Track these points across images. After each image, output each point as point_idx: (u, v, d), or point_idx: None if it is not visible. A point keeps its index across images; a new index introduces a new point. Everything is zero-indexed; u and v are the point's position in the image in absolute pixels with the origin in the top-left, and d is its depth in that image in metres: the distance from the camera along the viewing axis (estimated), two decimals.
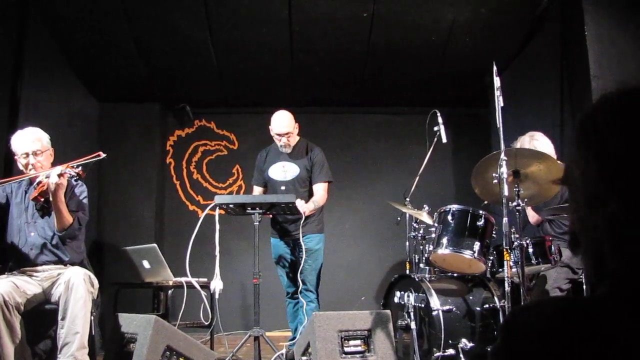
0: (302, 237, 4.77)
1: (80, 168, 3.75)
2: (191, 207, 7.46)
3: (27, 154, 3.93)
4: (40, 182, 3.85)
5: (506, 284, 3.53)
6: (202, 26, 5.77)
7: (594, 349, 0.79)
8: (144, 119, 7.25)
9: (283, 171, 5.02)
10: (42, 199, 3.90)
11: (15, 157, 4.02)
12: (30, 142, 3.96)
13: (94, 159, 3.90)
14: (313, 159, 5.04)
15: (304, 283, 4.85)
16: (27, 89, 5.17)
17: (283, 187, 4.99)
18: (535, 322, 0.85)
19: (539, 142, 4.57)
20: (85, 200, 4.12)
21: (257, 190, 5.23)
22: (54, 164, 4.00)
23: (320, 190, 5.00)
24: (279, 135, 4.94)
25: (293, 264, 5.00)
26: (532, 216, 4.74)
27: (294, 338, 4.86)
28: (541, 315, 0.86)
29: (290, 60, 6.43)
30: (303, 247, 4.73)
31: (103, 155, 3.93)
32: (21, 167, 4.00)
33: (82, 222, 4.03)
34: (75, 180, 3.92)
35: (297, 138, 5.09)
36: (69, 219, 3.87)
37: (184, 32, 5.87)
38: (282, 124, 4.95)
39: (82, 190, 4.13)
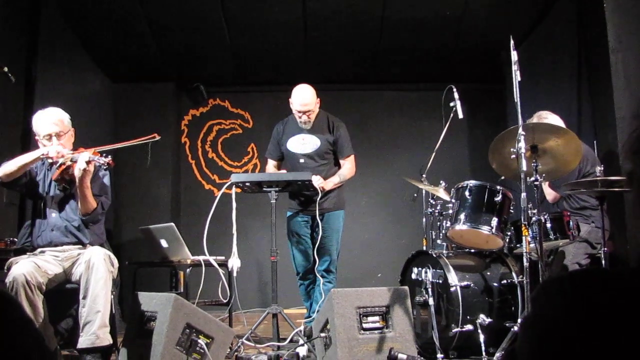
0: (324, 213, 4.77)
1: (109, 157, 3.73)
2: (207, 186, 7.49)
3: (50, 136, 3.92)
4: (63, 163, 3.85)
5: (524, 260, 3.51)
6: (215, 5, 5.74)
7: (624, 323, 0.78)
8: (158, 98, 7.27)
9: (302, 143, 4.93)
10: (65, 180, 3.90)
11: (36, 138, 4.01)
12: (52, 124, 3.94)
13: (148, 140, 3.87)
14: (337, 134, 4.96)
15: (323, 262, 4.85)
16: (42, 70, 5.19)
17: (302, 160, 4.92)
18: (565, 293, 0.85)
19: (547, 120, 4.53)
20: (108, 184, 4.12)
21: (271, 164, 5.12)
22: (74, 144, 4.01)
23: (347, 163, 4.99)
24: (299, 112, 4.85)
25: (310, 241, 4.99)
26: (549, 193, 4.70)
27: (309, 316, 4.87)
28: (571, 287, 0.86)
29: (304, 37, 6.40)
30: (320, 224, 4.73)
31: (158, 137, 3.89)
32: None
33: (105, 206, 4.03)
34: (105, 169, 3.89)
35: (317, 111, 4.98)
36: (93, 203, 3.87)
37: (197, 12, 5.85)
38: (304, 101, 4.83)
39: (104, 174, 4.11)
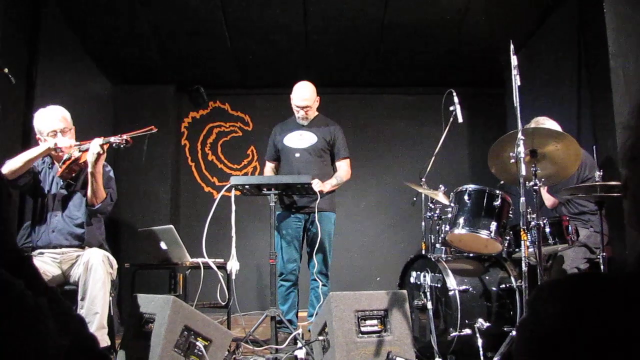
0: (317, 213, 4.79)
1: (126, 136, 3.78)
2: (206, 189, 7.49)
3: (55, 132, 3.94)
4: (69, 157, 3.86)
5: (523, 264, 3.51)
6: (216, 7, 5.74)
7: (620, 327, 0.78)
8: (158, 101, 7.27)
9: (299, 139, 5.04)
10: (73, 174, 3.91)
11: (38, 137, 4.00)
12: (57, 120, 3.97)
13: (146, 132, 3.89)
14: (335, 134, 5.07)
15: (319, 264, 4.85)
16: (42, 72, 5.18)
17: (297, 155, 5.00)
18: (562, 297, 0.85)
19: (545, 125, 4.53)
20: (112, 177, 4.16)
21: (269, 165, 5.23)
22: None
23: (344, 166, 5.08)
24: (298, 107, 5.00)
25: (302, 242, 5.01)
26: (548, 199, 4.71)
27: (290, 320, 4.83)
28: (568, 290, 0.86)
29: (305, 40, 6.40)
30: (319, 227, 4.73)
31: (155, 129, 3.91)
32: None
33: (114, 198, 4.09)
34: (123, 146, 3.86)
35: (316, 113, 5.13)
36: (104, 192, 3.91)
37: (198, 14, 5.84)
38: (303, 96, 4.99)
39: (108, 170, 4.16)
